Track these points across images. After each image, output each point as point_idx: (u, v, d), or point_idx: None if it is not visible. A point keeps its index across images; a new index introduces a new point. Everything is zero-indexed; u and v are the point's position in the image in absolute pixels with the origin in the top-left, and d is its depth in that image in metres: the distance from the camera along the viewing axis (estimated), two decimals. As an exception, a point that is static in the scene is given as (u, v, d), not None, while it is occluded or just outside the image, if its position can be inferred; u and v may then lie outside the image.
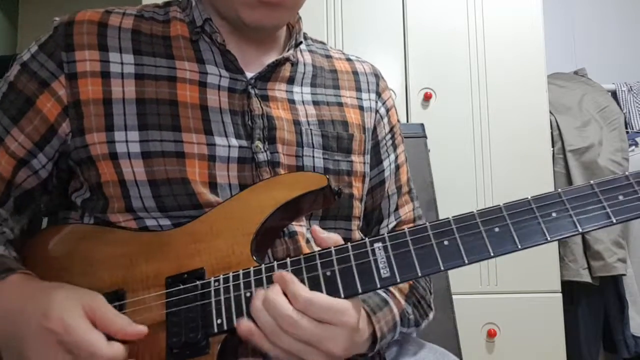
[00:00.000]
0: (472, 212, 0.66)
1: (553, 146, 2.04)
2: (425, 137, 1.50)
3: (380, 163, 0.95)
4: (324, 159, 0.83)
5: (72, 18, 0.80)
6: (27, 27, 2.63)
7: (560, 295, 1.86)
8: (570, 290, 2.01)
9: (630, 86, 2.39)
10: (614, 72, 2.57)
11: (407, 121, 1.93)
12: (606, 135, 2.12)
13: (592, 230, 0.63)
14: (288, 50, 0.87)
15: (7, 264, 0.70)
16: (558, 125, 2.09)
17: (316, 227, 0.69)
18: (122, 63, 0.79)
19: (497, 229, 0.64)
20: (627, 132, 2.21)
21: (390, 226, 0.96)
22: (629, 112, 2.35)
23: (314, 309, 0.62)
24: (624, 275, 2.00)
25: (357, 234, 0.88)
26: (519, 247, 0.63)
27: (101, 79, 0.77)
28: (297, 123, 0.83)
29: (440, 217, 1.45)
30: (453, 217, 0.66)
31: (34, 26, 2.62)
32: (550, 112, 2.01)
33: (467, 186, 1.90)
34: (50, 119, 0.77)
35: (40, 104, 0.77)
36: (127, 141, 0.75)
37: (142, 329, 0.63)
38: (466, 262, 0.64)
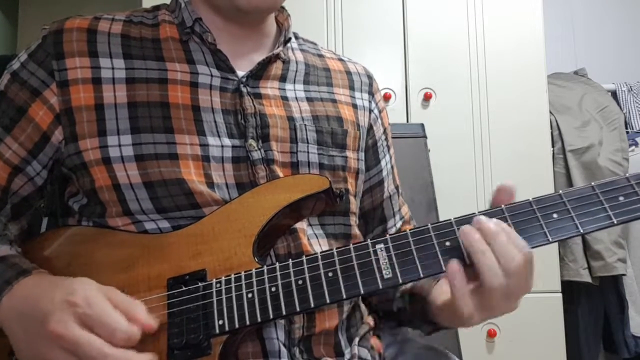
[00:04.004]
0: (474, 213, 0.67)
1: (553, 146, 2.04)
2: (425, 137, 1.50)
3: (379, 162, 0.96)
4: (318, 154, 0.83)
5: (61, 26, 0.80)
6: (27, 27, 2.63)
7: (560, 295, 1.86)
8: (570, 290, 2.01)
9: (630, 86, 2.40)
10: (614, 72, 2.57)
11: (407, 121, 1.93)
12: (606, 135, 2.12)
13: (594, 231, 0.64)
14: (278, 47, 0.87)
15: (21, 266, 0.71)
16: (558, 125, 2.09)
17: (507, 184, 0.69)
18: (112, 68, 0.79)
19: None
20: (627, 132, 2.21)
21: (398, 225, 0.97)
22: (629, 112, 2.35)
23: (531, 264, 0.64)
24: (624, 275, 2.00)
25: (356, 230, 0.88)
26: None
27: (92, 85, 0.77)
28: (291, 119, 0.83)
29: (441, 218, 1.45)
30: (455, 218, 0.67)
31: (34, 26, 2.61)
32: (550, 112, 2.01)
33: (467, 186, 1.90)
34: (42, 127, 0.77)
35: (33, 112, 0.77)
36: (119, 145, 0.75)
37: (155, 323, 0.64)
38: (468, 263, 0.64)
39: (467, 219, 0.66)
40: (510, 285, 0.63)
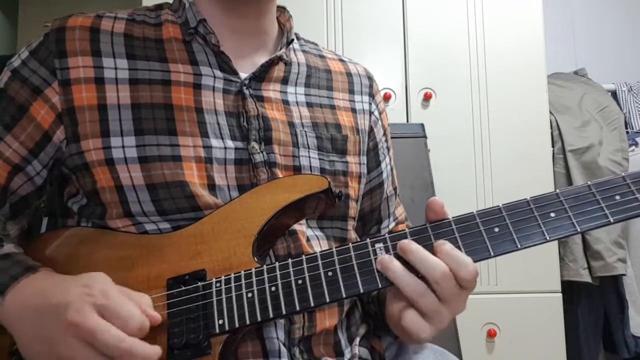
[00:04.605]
0: (472, 212, 0.67)
1: (553, 146, 2.04)
2: (425, 137, 1.50)
3: (379, 165, 0.96)
4: (319, 159, 0.83)
5: (63, 24, 0.79)
6: (27, 27, 2.63)
7: (560, 295, 1.86)
8: (570, 290, 2.01)
9: (630, 86, 2.40)
10: (614, 72, 2.57)
11: (407, 121, 1.93)
12: (606, 135, 2.12)
13: (591, 229, 0.64)
14: (280, 49, 0.87)
15: (28, 262, 0.71)
16: (558, 125, 2.09)
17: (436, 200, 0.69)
18: (115, 68, 0.78)
19: (496, 229, 0.65)
20: (627, 132, 2.21)
21: (391, 226, 0.97)
22: (629, 112, 2.35)
23: (469, 276, 0.64)
24: (624, 275, 2.00)
25: (352, 234, 0.88)
26: (519, 246, 0.64)
27: (95, 85, 0.77)
28: (291, 125, 0.83)
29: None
30: (453, 217, 0.67)
31: (34, 26, 2.62)
32: (550, 112, 2.01)
33: (467, 186, 1.90)
34: (44, 126, 0.77)
35: (34, 111, 0.76)
36: (123, 147, 0.75)
37: (159, 316, 0.65)
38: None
39: (465, 218, 0.67)
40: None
